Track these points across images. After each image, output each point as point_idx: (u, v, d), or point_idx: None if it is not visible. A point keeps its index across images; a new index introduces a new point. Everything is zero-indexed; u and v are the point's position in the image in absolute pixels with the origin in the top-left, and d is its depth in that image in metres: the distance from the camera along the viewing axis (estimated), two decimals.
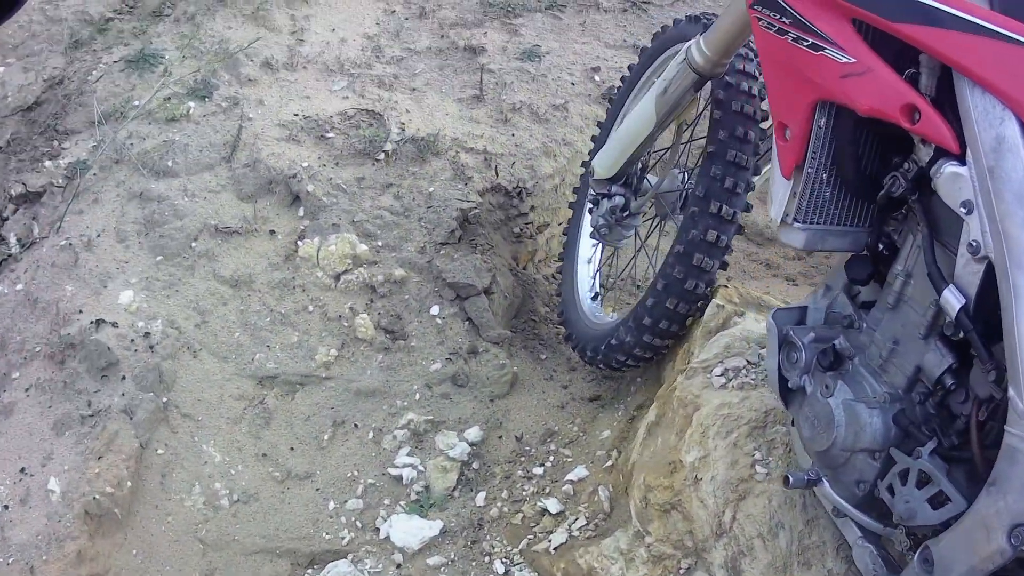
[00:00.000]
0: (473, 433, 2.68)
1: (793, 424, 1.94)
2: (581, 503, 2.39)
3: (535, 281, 3.09)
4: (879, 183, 1.64)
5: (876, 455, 1.73)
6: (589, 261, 2.78)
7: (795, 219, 1.74)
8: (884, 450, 1.71)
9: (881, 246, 1.72)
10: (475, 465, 2.64)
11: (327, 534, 2.49)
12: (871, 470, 1.74)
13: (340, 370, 2.67)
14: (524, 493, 2.53)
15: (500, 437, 2.73)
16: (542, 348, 2.89)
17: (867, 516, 1.75)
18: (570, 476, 2.51)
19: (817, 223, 1.74)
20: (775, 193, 1.77)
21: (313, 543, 2.48)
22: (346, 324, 2.70)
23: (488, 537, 2.44)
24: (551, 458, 2.57)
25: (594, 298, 2.68)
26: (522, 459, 2.65)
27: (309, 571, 2.43)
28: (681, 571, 2.01)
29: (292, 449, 2.57)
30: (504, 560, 2.35)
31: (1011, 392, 1.31)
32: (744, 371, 2.31)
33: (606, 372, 2.79)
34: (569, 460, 2.59)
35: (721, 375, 2.30)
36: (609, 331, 2.41)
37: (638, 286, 3.25)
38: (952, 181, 1.35)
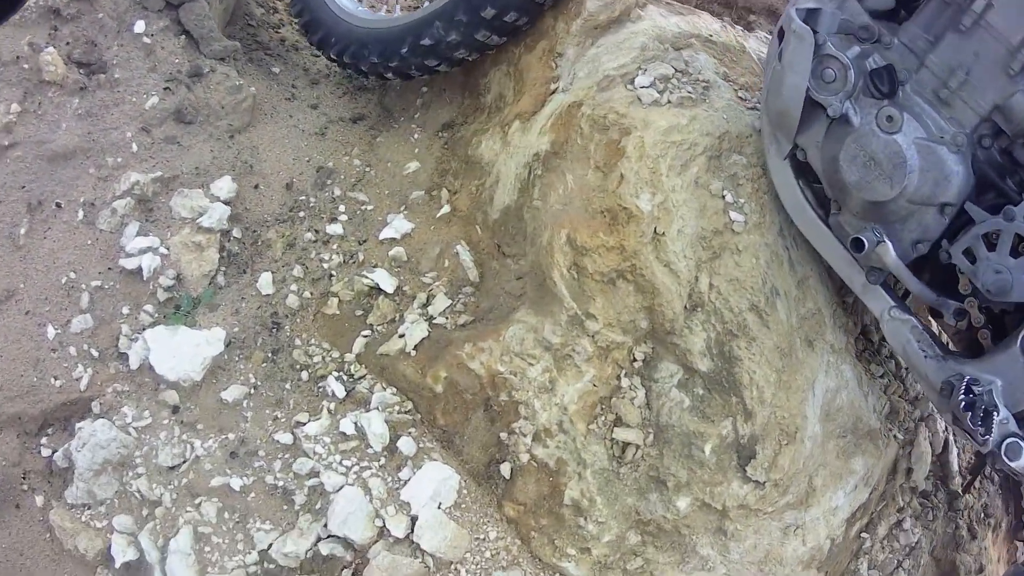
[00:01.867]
0: (223, 187, 1.84)
1: (796, 156, 1.45)
2: (425, 272, 1.68)
3: None
4: None
5: (946, 209, 1.36)
6: None
7: None
8: (959, 204, 1.34)
9: None
10: (237, 233, 1.79)
11: (56, 378, 1.62)
12: (936, 227, 1.39)
13: (25, 131, 1.84)
14: (327, 266, 1.72)
15: (257, 187, 1.93)
16: (272, 60, 2.26)
17: (921, 283, 1.42)
18: (387, 232, 1.75)
19: None
20: None
21: (40, 396, 1.61)
22: (26, 67, 1.86)
23: (296, 341, 1.64)
24: (342, 208, 1.80)
25: None
26: (302, 215, 1.80)
27: (44, 439, 1.59)
28: (637, 364, 1.52)
29: None
30: (339, 375, 1.60)
31: None
32: (676, 81, 1.68)
33: (358, 83, 2.16)
34: (370, 209, 1.84)
35: (650, 87, 1.64)
36: (404, 30, 1.84)
37: None
38: None
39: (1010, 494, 2.21)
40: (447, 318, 1.66)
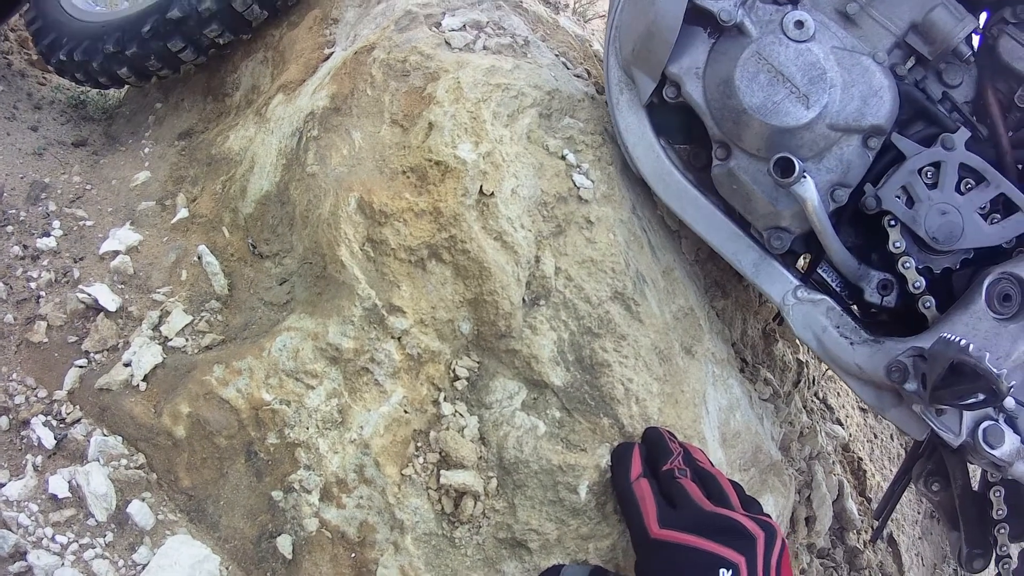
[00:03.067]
0: None
1: (663, 98, 1.08)
2: (157, 288, 1.20)
3: None
4: None
5: (872, 141, 1.01)
6: None
7: None
8: (889, 132, 1.00)
9: None
10: None
11: None
12: (861, 164, 1.04)
13: None
14: (35, 285, 1.25)
15: None
16: None
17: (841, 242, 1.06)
18: (109, 245, 1.30)
19: None
20: None
21: None
22: None
23: (1, 372, 1.13)
24: (56, 224, 1.38)
25: None
26: (10, 229, 1.39)
27: None
28: (460, 386, 1.08)
29: None
30: (46, 419, 1.10)
31: None
32: (491, 30, 1.30)
33: (82, 113, 1.84)
34: (90, 225, 1.38)
35: (461, 29, 1.25)
36: (148, 10, 1.48)
37: None
38: None
39: (898, 552, 1.94)
40: (188, 339, 1.16)
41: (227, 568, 1.11)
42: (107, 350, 1.18)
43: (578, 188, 1.12)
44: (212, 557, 1.10)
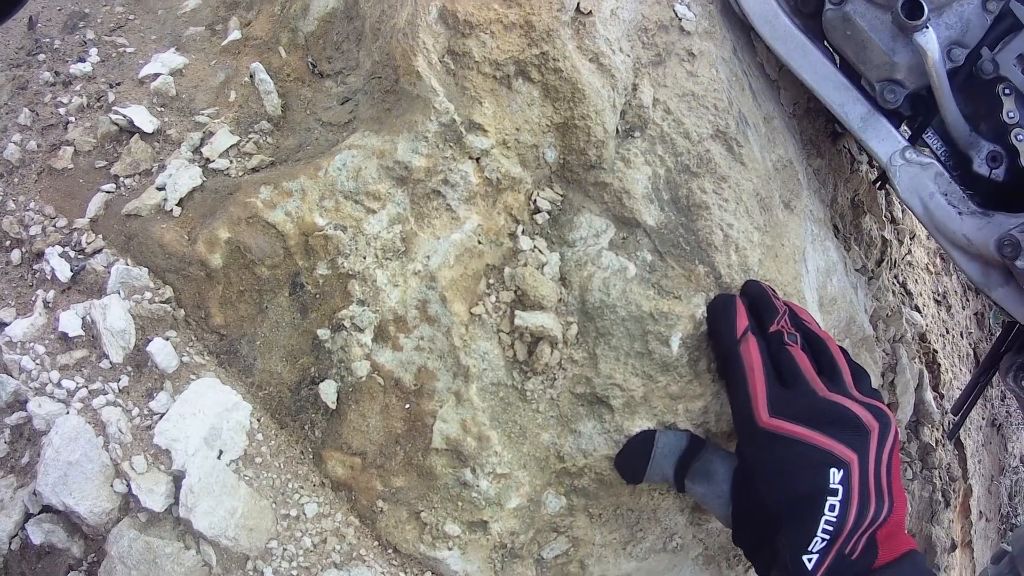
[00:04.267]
0: None
1: None
2: (201, 110, 1.13)
3: None
4: None
5: (991, 3, 1.03)
6: None
7: None
8: None
9: None
10: None
11: None
12: (980, 26, 1.10)
13: None
14: (63, 111, 1.18)
15: None
16: None
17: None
18: (150, 68, 1.21)
19: None
20: None
21: None
22: None
23: (10, 205, 1.13)
24: (93, 51, 1.27)
25: None
26: (42, 57, 1.29)
27: None
28: (540, 219, 0.99)
29: None
30: (63, 250, 1.01)
31: None
32: None
33: None
34: (130, 51, 1.30)
35: None
36: None
37: None
38: None
39: (964, 456, 1.83)
40: (232, 161, 1.06)
41: (259, 419, 0.99)
42: (139, 174, 1.07)
43: (680, 19, 1.05)
44: (243, 405, 0.97)
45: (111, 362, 0.97)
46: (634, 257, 0.98)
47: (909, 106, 1.12)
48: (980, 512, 1.92)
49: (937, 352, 1.80)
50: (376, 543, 0.97)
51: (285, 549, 0.94)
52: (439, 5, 0.98)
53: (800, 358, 0.91)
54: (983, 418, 2.02)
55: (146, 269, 1.01)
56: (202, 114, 1.10)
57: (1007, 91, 1.05)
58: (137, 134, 1.07)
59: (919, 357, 1.72)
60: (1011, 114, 1.05)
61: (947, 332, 1.95)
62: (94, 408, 0.95)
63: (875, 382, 1.22)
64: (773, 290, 0.99)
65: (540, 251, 0.98)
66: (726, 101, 1.04)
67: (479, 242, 0.97)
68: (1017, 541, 1.36)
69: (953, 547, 1.68)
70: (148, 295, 1.00)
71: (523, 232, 0.99)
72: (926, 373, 1.61)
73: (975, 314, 2.16)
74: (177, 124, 1.10)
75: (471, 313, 0.96)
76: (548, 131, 0.99)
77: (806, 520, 0.84)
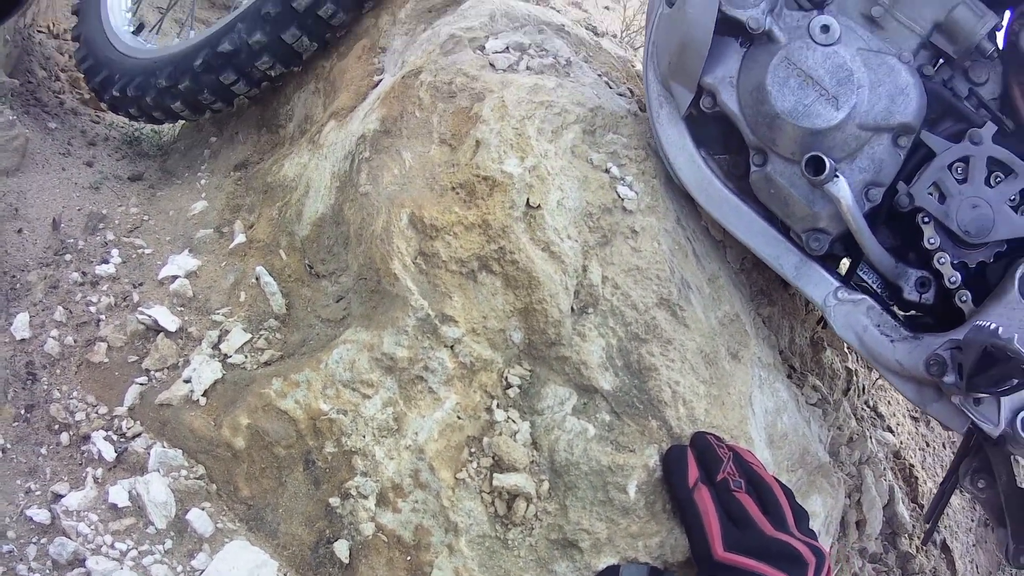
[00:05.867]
0: None
1: (701, 109, 1.19)
2: (216, 310, 1.32)
3: (29, 37, 2.36)
4: None
5: (902, 140, 1.12)
6: None
7: None
8: (918, 130, 1.10)
9: None
10: None
11: None
12: (892, 163, 1.16)
13: None
14: (94, 309, 1.37)
15: (21, 231, 1.62)
16: (48, 117, 2.13)
17: (877, 241, 1.16)
18: (168, 271, 1.41)
19: None
20: None
21: None
22: None
23: (55, 394, 1.28)
24: (115, 252, 1.53)
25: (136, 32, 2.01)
26: (68, 257, 1.50)
27: None
28: (512, 393, 1.18)
29: None
30: (107, 433, 1.21)
31: None
32: (534, 51, 1.42)
33: (137, 149, 2.01)
34: (148, 253, 1.50)
35: (503, 52, 1.39)
36: (199, 44, 1.64)
37: None
38: None
39: (952, 559, 2.00)
40: (247, 356, 1.28)
41: (284, 574, 1.20)
42: (167, 368, 1.29)
43: (622, 199, 1.23)
44: (270, 562, 1.19)
45: (156, 528, 1.19)
46: (593, 419, 1.18)
47: (842, 247, 1.29)
48: None
49: (914, 466, 1.96)
50: None
51: None
52: (409, 212, 1.18)
53: (747, 502, 1.12)
54: (972, 520, 2.17)
55: (180, 450, 1.23)
56: (218, 313, 1.31)
57: (925, 219, 1.21)
58: (162, 332, 1.29)
59: (894, 472, 1.89)
60: (932, 240, 1.21)
61: (927, 445, 2.11)
62: (144, 566, 1.18)
63: (834, 505, 1.39)
64: (718, 438, 1.18)
65: (513, 421, 1.18)
66: (668, 270, 1.23)
67: (458, 417, 1.17)
68: None
69: None
70: (184, 472, 1.22)
71: (497, 406, 1.19)
72: (897, 489, 1.78)
73: None
74: (196, 323, 1.31)
75: (456, 478, 1.16)
76: (512, 315, 1.19)
77: None
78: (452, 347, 1.17)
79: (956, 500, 2.12)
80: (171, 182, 1.62)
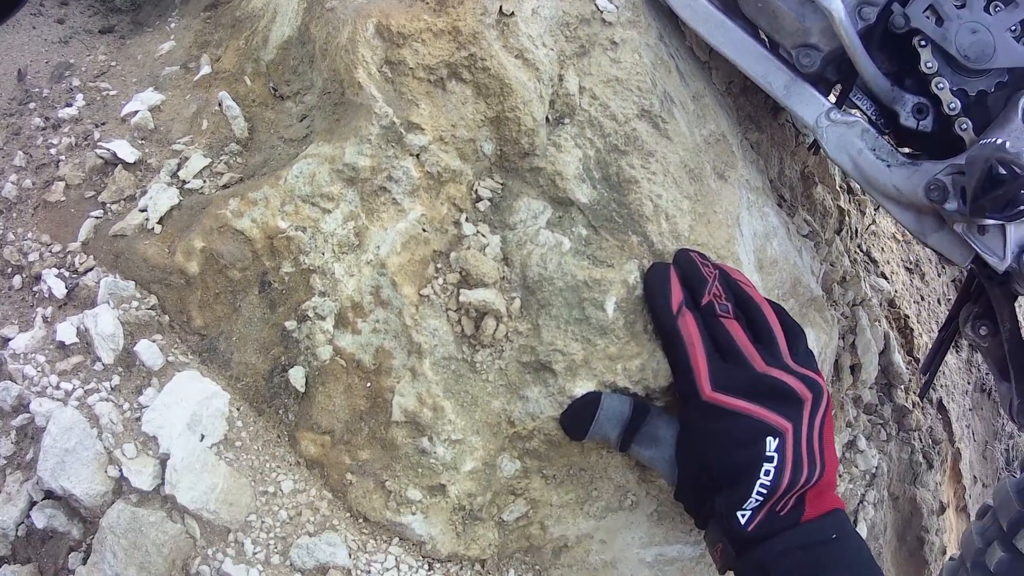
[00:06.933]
0: None
1: None
2: (177, 139, 1.30)
3: None
4: None
5: None
6: None
7: None
8: None
9: None
10: None
11: None
12: None
13: None
14: (54, 151, 1.35)
15: None
16: None
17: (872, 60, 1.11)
18: (131, 106, 1.40)
19: None
20: None
21: None
22: None
23: (9, 237, 1.31)
24: (79, 96, 1.47)
25: None
26: (32, 105, 1.50)
27: None
28: (483, 207, 1.12)
29: None
30: (59, 271, 1.17)
31: None
32: None
33: (110, 3, 1.84)
34: (113, 94, 1.49)
35: None
36: None
37: None
38: None
39: (948, 420, 1.88)
40: (205, 180, 1.23)
41: (238, 408, 1.13)
42: (124, 200, 1.24)
43: (601, 11, 1.18)
44: (221, 394, 1.12)
45: (103, 364, 1.13)
46: (569, 233, 1.11)
47: (835, 70, 1.23)
48: (975, 477, 1.95)
49: (909, 318, 1.86)
50: (347, 514, 1.10)
51: (263, 521, 1.07)
52: (375, 21, 1.14)
53: (735, 331, 1.03)
54: (969, 383, 2.06)
55: (133, 282, 1.18)
56: (178, 143, 1.27)
57: (923, 43, 1.15)
58: (120, 165, 1.25)
59: (888, 321, 1.79)
60: (929, 64, 1.15)
61: (922, 299, 2.01)
62: (89, 404, 1.12)
63: (827, 342, 1.30)
64: (703, 256, 1.11)
65: (483, 235, 1.12)
66: (649, 82, 1.17)
67: (423, 230, 1.11)
68: (998, 495, 1.41)
69: (942, 509, 1.71)
70: (135, 304, 1.17)
71: (467, 219, 1.13)
72: (893, 336, 1.67)
73: (953, 281, 2.20)
74: (156, 154, 1.27)
75: (420, 295, 1.09)
76: (483, 125, 1.13)
77: (743, 483, 0.98)
78: (418, 155, 1.11)
79: (952, 360, 2.00)
80: (142, 31, 1.60)
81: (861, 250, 1.83)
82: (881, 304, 1.74)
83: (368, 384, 1.09)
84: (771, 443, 0.98)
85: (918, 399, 1.69)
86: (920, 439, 1.69)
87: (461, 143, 1.13)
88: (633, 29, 1.21)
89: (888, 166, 1.18)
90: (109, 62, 1.48)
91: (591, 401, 1.06)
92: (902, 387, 1.66)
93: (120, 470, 1.06)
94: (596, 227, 1.11)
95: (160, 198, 1.21)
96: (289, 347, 1.11)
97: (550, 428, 1.07)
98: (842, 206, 1.63)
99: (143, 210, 1.22)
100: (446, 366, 1.09)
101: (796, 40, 1.18)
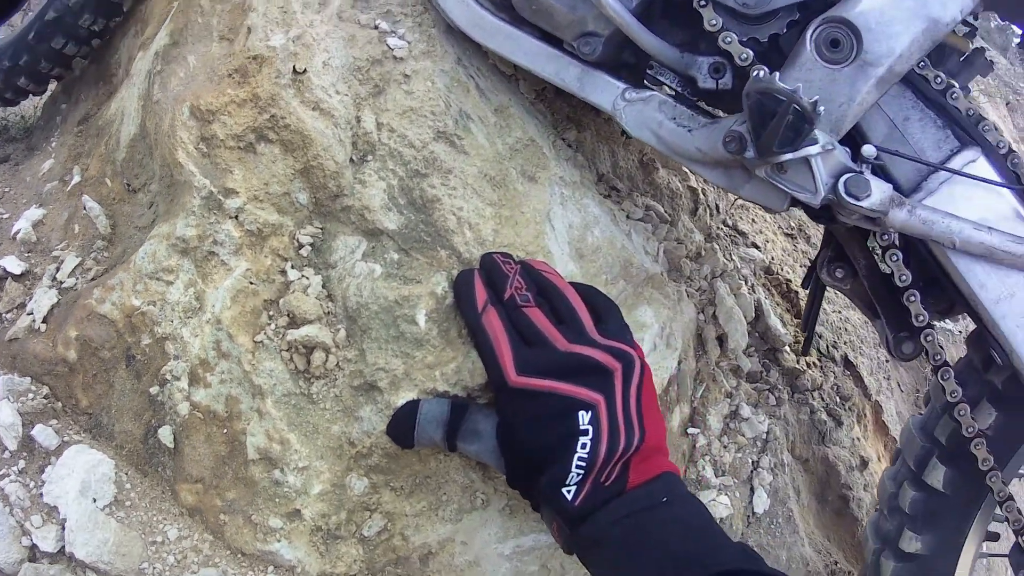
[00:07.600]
0: None
1: None
2: (56, 247, 1.45)
3: None
4: None
5: None
6: None
7: None
8: None
9: None
10: None
11: None
12: None
13: None
14: None
15: None
16: None
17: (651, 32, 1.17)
18: (18, 226, 1.63)
19: None
20: None
21: None
22: None
23: None
24: None
25: None
26: None
27: None
28: (305, 253, 1.22)
29: None
30: None
31: None
32: None
33: (5, 134, 2.07)
34: (6, 217, 1.75)
35: None
36: (30, 24, 1.75)
37: None
38: None
39: (859, 375, 1.81)
40: (77, 278, 1.39)
41: (125, 472, 1.26)
42: (16, 308, 1.41)
43: (392, 49, 1.28)
44: (107, 461, 1.25)
45: (9, 451, 1.28)
46: (381, 259, 1.20)
47: (632, 53, 1.28)
48: None
49: (790, 281, 1.83)
50: (227, 551, 1.20)
51: (154, 567, 1.19)
52: (188, 104, 1.27)
53: (536, 316, 1.09)
54: None
55: (28, 377, 1.33)
56: (56, 249, 1.44)
57: (702, 3, 1.19)
58: (10, 278, 1.42)
59: (767, 289, 1.77)
60: (713, 22, 1.18)
61: (810, 262, 1.97)
62: (1, 487, 1.26)
63: (671, 316, 1.32)
64: (506, 255, 1.17)
65: (306, 278, 1.22)
66: (443, 105, 1.26)
67: (251, 282, 1.22)
68: (903, 435, 1.38)
69: (864, 464, 1.66)
70: (31, 395, 1.32)
71: (292, 267, 1.24)
72: (765, 303, 1.65)
73: None
74: (40, 263, 1.44)
75: (255, 341, 1.20)
76: (294, 178, 1.24)
77: (561, 460, 1.01)
78: (236, 217, 1.23)
79: (857, 315, 1.93)
80: (32, 155, 1.80)
81: (727, 225, 1.83)
82: (756, 273, 1.73)
83: (224, 430, 1.20)
84: (584, 417, 1.01)
85: (801, 354, 1.67)
86: (821, 398, 1.66)
87: (276, 198, 1.24)
88: (427, 59, 1.30)
89: (689, 131, 1.22)
90: (3, 188, 1.68)
91: (410, 409, 1.13)
92: (787, 349, 1.64)
93: (31, 539, 1.19)
94: (406, 249, 1.20)
95: (42, 300, 1.36)
96: (156, 410, 1.24)
97: (385, 442, 1.15)
98: (692, 186, 1.65)
99: (30, 313, 1.38)
100: (287, 401, 1.19)
101: (574, 31, 1.24)
